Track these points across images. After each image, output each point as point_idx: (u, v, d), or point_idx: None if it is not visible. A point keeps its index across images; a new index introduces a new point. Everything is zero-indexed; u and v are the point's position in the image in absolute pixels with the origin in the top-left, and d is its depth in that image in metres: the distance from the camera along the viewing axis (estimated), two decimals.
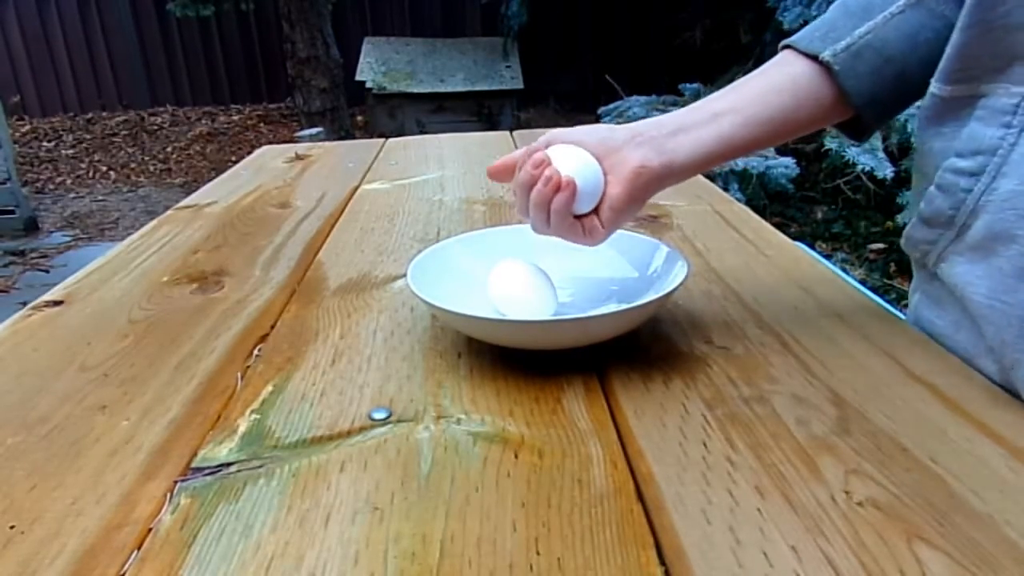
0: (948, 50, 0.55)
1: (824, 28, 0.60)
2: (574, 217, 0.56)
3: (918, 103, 0.60)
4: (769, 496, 0.41)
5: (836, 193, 3.21)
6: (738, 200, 1.01)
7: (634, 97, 3.48)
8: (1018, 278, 0.50)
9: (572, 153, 0.55)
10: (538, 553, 0.37)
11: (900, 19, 0.58)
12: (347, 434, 0.48)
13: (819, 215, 3.20)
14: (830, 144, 2.67)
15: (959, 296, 0.56)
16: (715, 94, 0.60)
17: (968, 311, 0.55)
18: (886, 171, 2.67)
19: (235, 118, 5.83)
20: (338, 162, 1.35)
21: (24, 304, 0.74)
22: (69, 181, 4.81)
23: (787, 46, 0.61)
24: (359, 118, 5.58)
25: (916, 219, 0.59)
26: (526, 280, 0.59)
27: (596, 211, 0.55)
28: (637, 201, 0.56)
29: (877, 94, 0.59)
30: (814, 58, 0.58)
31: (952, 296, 0.58)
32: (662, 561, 0.36)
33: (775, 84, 0.59)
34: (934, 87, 0.57)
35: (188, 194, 1.18)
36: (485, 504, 0.41)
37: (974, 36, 0.53)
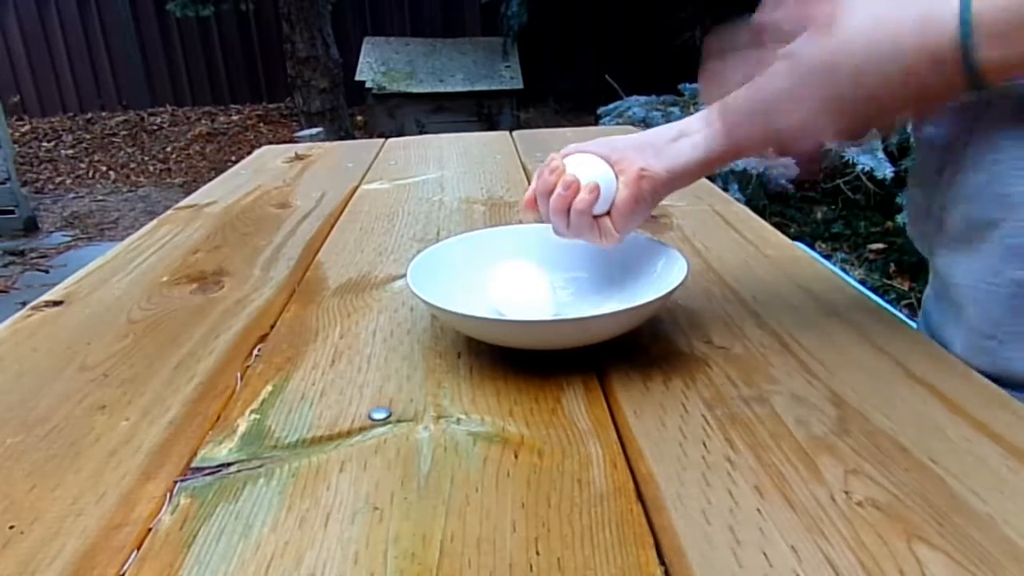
0: None
1: None
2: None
3: None
4: (769, 496, 0.41)
5: (836, 193, 3.21)
6: (738, 200, 1.01)
7: (634, 97, 3.48)
8: (1003, 260, 0.53)
9: (586, 159, 0.58)
10: (538, 553, 0.37)
11: None
12: (347, 434, 0.48)
13: (819, 215, 3.20)
14: (830, 144, 2.67)
15: (948, 285, 0.58)
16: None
17: (955, 300, 0.57)
18: (886, 171, 2.68)
19: (235, 118, 5.83)
20: (338, 162, 1.35)
21: (24, 304, 0.74)
22: (69, 181, 4.81)
23: None
24: (359, 118, 5.58)
25: (910, 215, 0.61)
26: (526, 280, 0.59)
27: (608, 214, 0.58)
28: (642, 203, 0.57)
29: None
30: None
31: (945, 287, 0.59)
32: (662, 561, 0.36)
33: None
34: None
35: (188, 194, 1.18)
36: (485, 504, 0.41)
37: None
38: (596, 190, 0.56)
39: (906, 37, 0.45)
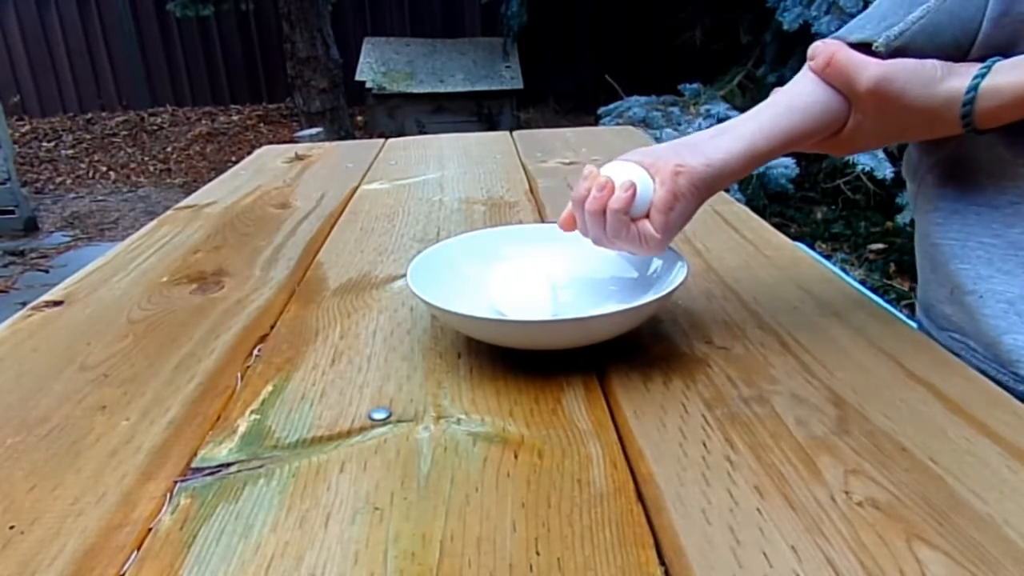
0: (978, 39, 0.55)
1: (876, 18, 0.59)
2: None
3: None
4: (769, 496, 0.41)
5: (836, 193, 3.21)
6: (738, 200, 1.01)
7: (634, 97, 3.48)
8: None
9: (620, 165, 0.57)
10: (538, 553, 0.37)
11: (953, 2, 0.56)
12: (347, 434, 0.48)
13: (819, 215, 3.20)
14: None
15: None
16: None
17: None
18: (886, 171, 2.68)
19: (235, 118, 5.83)
20: (338, 162, 1.35)
21: (24, 304, 0.74)
22: (69, 181, 4.81)
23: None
24: (359, 118, 5.57)
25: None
26: (526, 280, 0.59)
27: (647, 217, 0.56)
28: (681, 199, 0.55)
29: None
30: (867, 47, 0.57)
31: None
32: (662, 561, 0.36)
33: (818, 79, 0.58)
34: None
35: (188, 194, 1.18)
36: (485, 504, 0.41)
37: (999, 29, 0.52)
38: (632, 188, 0.54)
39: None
